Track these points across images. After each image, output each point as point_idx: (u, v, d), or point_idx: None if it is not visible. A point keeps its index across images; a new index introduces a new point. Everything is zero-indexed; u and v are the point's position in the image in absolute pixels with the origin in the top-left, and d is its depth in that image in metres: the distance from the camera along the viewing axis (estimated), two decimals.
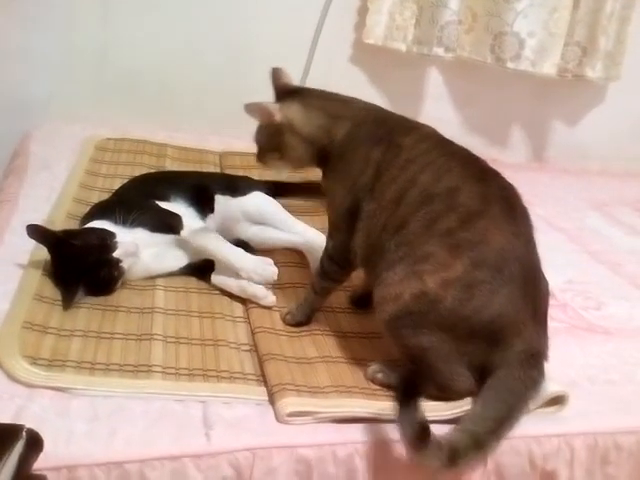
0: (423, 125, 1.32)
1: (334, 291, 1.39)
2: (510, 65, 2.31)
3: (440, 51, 2.28)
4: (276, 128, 1.31)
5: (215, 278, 1.46)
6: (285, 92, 1.36)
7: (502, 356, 1.13)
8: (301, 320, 1.35)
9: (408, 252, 1.16)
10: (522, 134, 2.58)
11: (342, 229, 1.30)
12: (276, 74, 1.40)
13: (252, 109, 1.30)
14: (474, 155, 1.27)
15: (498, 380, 1.13)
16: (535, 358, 1.15)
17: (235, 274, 1.42)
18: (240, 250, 1.45)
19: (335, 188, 1.31)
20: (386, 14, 2.27)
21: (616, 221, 2.18)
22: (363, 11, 2.29)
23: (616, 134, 2.60)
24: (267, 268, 1.42)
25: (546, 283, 1.21)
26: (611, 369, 1.39)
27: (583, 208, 2.20)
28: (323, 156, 1.31)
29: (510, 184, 1.23)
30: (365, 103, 1.37)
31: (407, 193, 1.19)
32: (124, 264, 1.35)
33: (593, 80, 2.44)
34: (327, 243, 1.36)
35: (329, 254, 1.34)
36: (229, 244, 1.46)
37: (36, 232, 1.35)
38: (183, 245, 1.47)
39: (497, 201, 1.18)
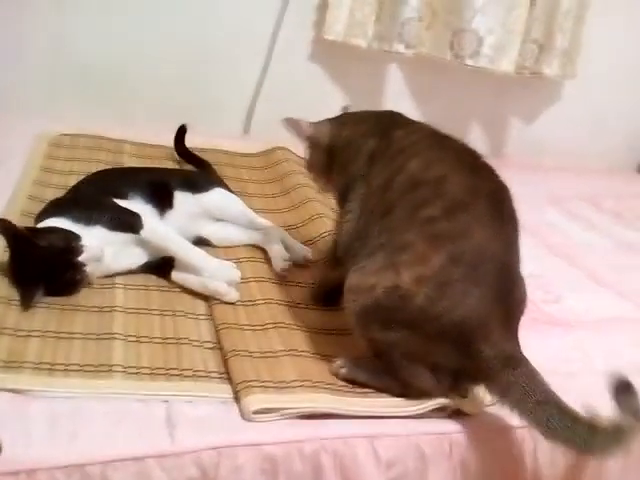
0: (421, 122, 1.36)
1: None
2: (469, 62, 2.34)
3: (401, 47, 2.30)
4: (308, 143, 1.41)
5: (176, 275, 1.43)
6: None
7: (477, 366, 1.12)
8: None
9: (389, 239, 1.16)
10: (481, 130, 2.61)
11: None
12: (343, 109, 1.49)
13: (288, 124, 1.41)
14: (471, 149, 1.27)
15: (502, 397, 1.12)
16: (512, 360, 1.13)
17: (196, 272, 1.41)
18: (202, 252, 1.44)
19: (337, 180, 1.37)
20: (346, 10, 2.28)
21: (573, 215, 2.22)
22: (323, 7, 2.29)
23: (572, 130, 2.66)
24: (231, 271, 1.42)
25: (523, 288, 1.20)
26: (571, 361, 1.41)
27: (541, 203, 2.23)
28: (331, 159, 1.37)
29: (502, 183, 1.22)
30: (381, 111, 1.45)
31: (395, 179, 1.20)
32: (88, 268, 1.32)
33: (550, 77, 2.48)
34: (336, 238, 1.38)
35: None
36: (191, 245, 1.45)
37: (1, 226, 1.31)
38: (142, 243, 1.44)
39: (484, 197, 1.16)
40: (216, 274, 1.39)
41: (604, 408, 1.26)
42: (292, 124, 1.40)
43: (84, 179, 1.63)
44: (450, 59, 2.35)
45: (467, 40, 2.32)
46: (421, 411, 1.15)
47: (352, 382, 1.20)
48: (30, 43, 2.13)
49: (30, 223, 1.47)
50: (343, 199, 1.33)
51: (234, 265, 1.44)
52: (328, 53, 2.36)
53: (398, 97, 2.44)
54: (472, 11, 2.30)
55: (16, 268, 1.31)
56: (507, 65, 2.39)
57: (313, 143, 1.40)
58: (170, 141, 2.11)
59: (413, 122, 1.35)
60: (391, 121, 1.35)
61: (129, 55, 2.20)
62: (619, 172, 2.72)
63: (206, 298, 1.39)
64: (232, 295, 1.37)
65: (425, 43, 2.36)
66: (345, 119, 1.42)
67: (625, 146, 2.84)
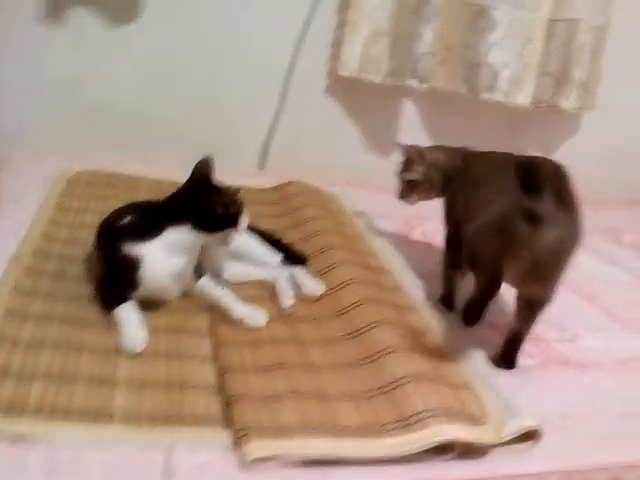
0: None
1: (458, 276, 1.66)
2: (484, 96, 2.34)
3: (414, 82, 2.31)
4: (427, 166, 1.74)
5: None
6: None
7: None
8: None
9: None
10: None
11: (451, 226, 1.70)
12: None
13: (407, 150, 1.80)
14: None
15: None
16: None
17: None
18: (233, 296, 1.48)
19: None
20: (360, 46, 2.29)
21: (592, 249, 2.17)
22: (337, 43, 2.30)
23: (592, 162, 2.62)
24: (258, 314, 1.45)
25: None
26: (585, 404, 1.38)
27: None
28: (446, 181, 1.73)
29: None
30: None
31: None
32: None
33: (567, 110, 2.46)
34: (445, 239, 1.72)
35: (447, 242, 1.72)
36: (223, 290, 1.49)
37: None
38: None
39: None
40: (245, 318, 1.43)
41: (619, 455, 1.25)
42: (411, 150, 1.77)
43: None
44: (465, 93, 2.35)
45: (482, 74, 2.33)
46: (426, 447, 1.13)
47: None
48: (48, 83, 2.18)
49: (43, 261, 1.52)
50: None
51: (261, 310, 1.46)
52: (343, 88, 2.38)
53: (413, 131, 2.44)
54: (487, 45, 2.30)
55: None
56: (523, 98, 2.38)
57: (431, 166, 1.74)
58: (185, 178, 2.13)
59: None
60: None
61: (145, 93, 2.24)
62: None
63: (212, 339, 1.39)
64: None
65: (440, 77, 2.37)
66: (448, 151, 1.77)
67: None
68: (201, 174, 1.44)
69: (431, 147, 1.81)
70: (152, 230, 1.39)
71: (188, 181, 1.45)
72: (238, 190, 1.43)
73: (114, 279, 1.41)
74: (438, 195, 1.77)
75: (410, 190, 1.78)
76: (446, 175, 1.74)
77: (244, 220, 1.45)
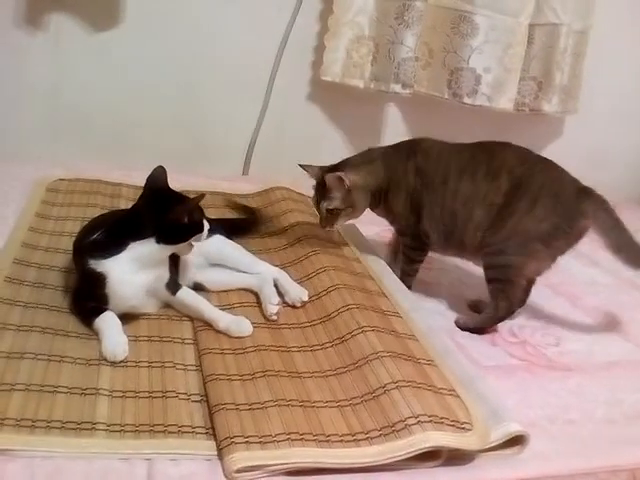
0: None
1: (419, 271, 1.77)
2: (467, 100, 2.34)
3: (397, 87, 2.30)
4: (347, 190, 1.65)
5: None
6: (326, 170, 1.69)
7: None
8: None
9: None
10: None
11: (411, 224, 1.69)
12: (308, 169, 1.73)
13: (319, 175, 1.68)
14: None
15: None
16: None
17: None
18: (216, 309, 1.46)
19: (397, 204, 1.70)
20: (343, 51, 2.29)
21: (574, 252, 2.18)
22: (320, 49, 2.30)
23: (575, 165, 2.61)
24: (243, 323, 1.43)
25: None
26: (571, 408, 1.38)
27: None
28: (377, 193, 1.70)
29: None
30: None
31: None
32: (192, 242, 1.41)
33: (550, 114, 2.47)
34: (404, 240, 1.75)
35: (410, 245, 1.73)
36: (206, 301, 1.47)
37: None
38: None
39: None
40: (230, 328, 1.41)
41: (605, 460, 1.25)
42: (333, 180, 1.63)
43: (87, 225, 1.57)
44: (448, 98, 2.35)
45: (464, 79, 2.32)
46: (412, 454, 1.11)
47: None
48: (29, 90, 2.16)
49: (23, 270, 1.49)
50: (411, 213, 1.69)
51: (247, 320, 1.44)
52: (326, 94, 2.37)
53: (396, 136, 2.41)
54: (469, 49, 2.30)
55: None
56: (506, 103, 2.38)
57: (352, 189, 1.65)
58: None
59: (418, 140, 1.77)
60: (404, 145, 1.77)
61: (127, 99, 2.22)
62: (623, 206, 2.68)
63: (196, 347, 1.37)
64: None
65: (422, 82, 2.37)
66: (365, 160, 1.72)
67: (629, 180, 2.82)
68: (155, 184, 1.42)
69: (338, 165, 1.69)
70: (115, 246, 1.36)
71: (144, 194, 1.43)
72: (203, 195, 1.40)
73: (85, 294, 1.39)
74: (365, 210, 1.72)
75: (333, 218, 1.69)
76: (374, 188, 1.68)
77: (206, 223, 1.43)
